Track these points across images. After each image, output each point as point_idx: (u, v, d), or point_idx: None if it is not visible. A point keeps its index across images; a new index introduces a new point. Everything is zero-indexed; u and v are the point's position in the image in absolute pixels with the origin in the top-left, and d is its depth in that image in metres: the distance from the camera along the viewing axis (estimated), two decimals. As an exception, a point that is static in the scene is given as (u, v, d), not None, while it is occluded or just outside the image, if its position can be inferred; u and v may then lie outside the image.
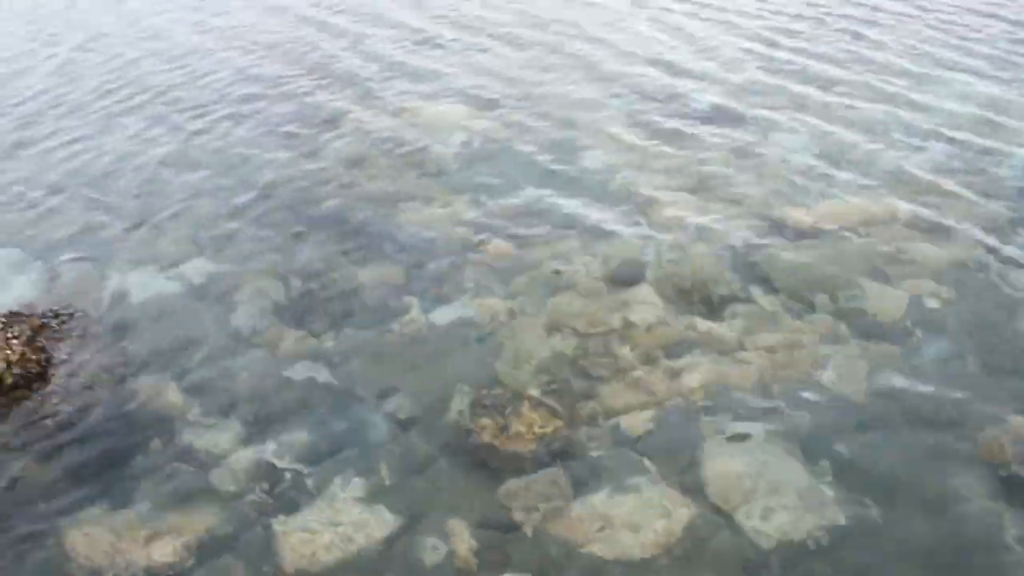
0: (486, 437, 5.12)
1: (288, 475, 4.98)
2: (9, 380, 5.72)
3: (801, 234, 6.97)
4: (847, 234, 6.93)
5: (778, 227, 7.09)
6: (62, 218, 8.00)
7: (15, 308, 6.36)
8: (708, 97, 9.80)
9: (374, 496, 4.81)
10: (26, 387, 5.73)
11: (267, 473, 5.01)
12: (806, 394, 5.30)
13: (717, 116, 9.33)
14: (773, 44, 11.19)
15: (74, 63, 12.59)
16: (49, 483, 5.02)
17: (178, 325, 6.37)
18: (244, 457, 5.13)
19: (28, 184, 8.71)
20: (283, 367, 5.88)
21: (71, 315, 6.41)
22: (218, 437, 5.29)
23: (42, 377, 5.81)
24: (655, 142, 8.77)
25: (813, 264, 6.55)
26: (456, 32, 12.50)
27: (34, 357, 5.89)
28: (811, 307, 6.07)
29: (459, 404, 5.36)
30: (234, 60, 12.14)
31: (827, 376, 5.43)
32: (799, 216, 7.22)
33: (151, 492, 4.93)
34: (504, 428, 5.16)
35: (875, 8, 12.36)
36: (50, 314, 6.38)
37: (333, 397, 5.60)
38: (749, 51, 11.09)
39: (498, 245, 7.08)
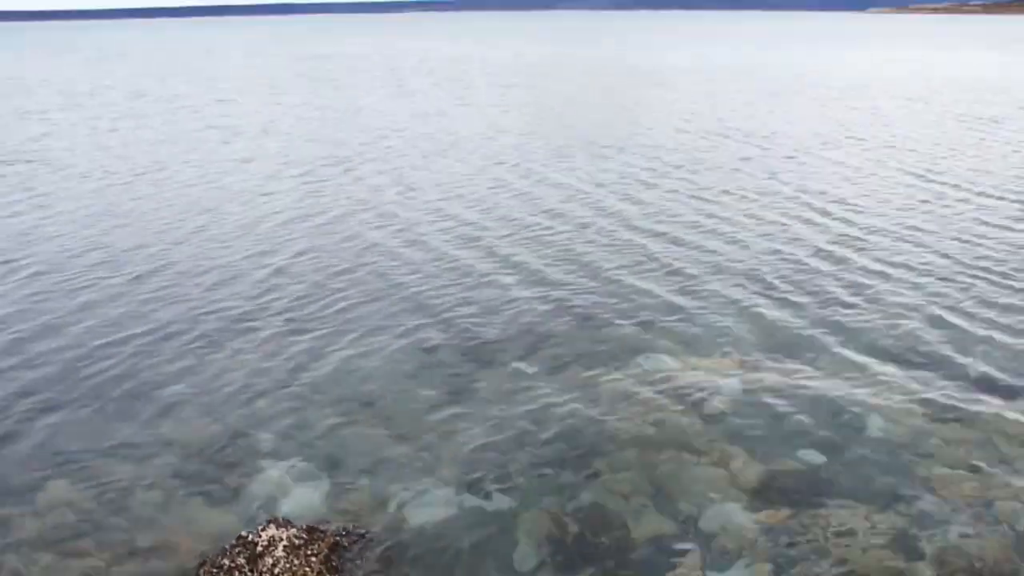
0: None
1: None
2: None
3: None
4: None
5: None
6: (349, 433, 8.32)
7: (311, 522, 6.63)
8: (987, 368, 9.49)
9: None
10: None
11: None
12: None
13: (1002, 390, 9.00)
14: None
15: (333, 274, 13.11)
16: None
17: (458, 557, 6.46)
18: None
19: (316, 399, 9.12)
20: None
21: (361, 535, 6.60)
22: None
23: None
24: (941, 413, 8.50)
25: None
26: (729, 284, 12.49)
27: (329, 578, 5.96)
28: None
29: None
30: (504, 292, 12.24)
31: None
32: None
33: None
34: None
35: None
36: (342, 532, 6.59)
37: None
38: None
39: (773, 513, 6.92)
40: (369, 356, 10.02)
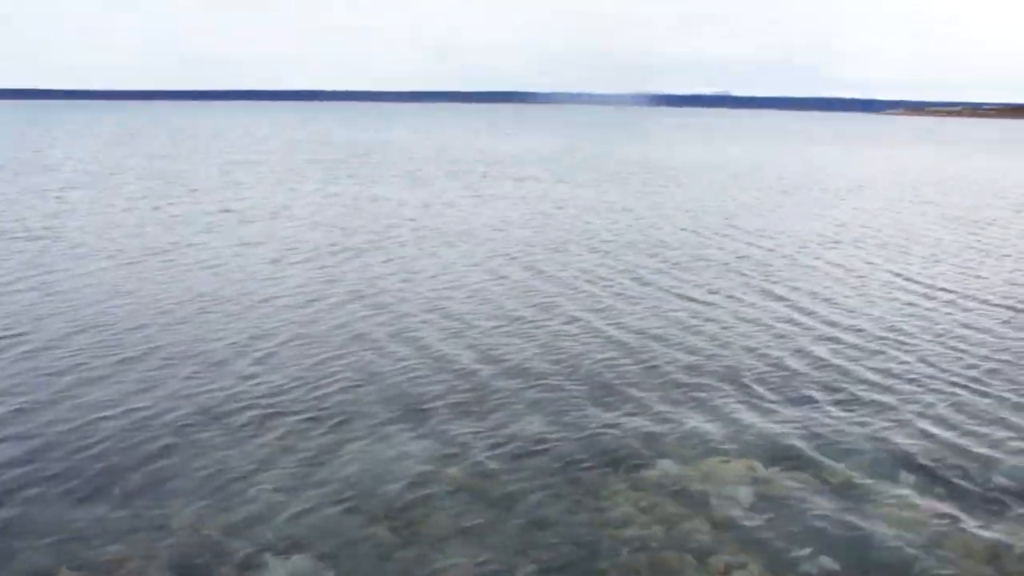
0: None
1: None
2: None
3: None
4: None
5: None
6: (345, 526, 8.31)
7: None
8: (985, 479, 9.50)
9: None
10: None
11: None
12: None
13: (1006, 503, 8.98)
14: None
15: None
16: None
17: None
18: None
19: (308, 491, 9.12)
20: None
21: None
22: None
23: None
24: (949, 525, 8.50)
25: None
26: (724, 387, 12.46)
27: None
28: None
29: None
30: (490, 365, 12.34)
31: None
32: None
33: None
34: None
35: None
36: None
37: None
38: None
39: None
40: (355, 447, 10.17)
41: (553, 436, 10.54)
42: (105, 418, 10.72)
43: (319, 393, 11.78)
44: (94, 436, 10.20)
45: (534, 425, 10.89)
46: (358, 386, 12.10)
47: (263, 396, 11.62)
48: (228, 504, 8.69)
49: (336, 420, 10.87)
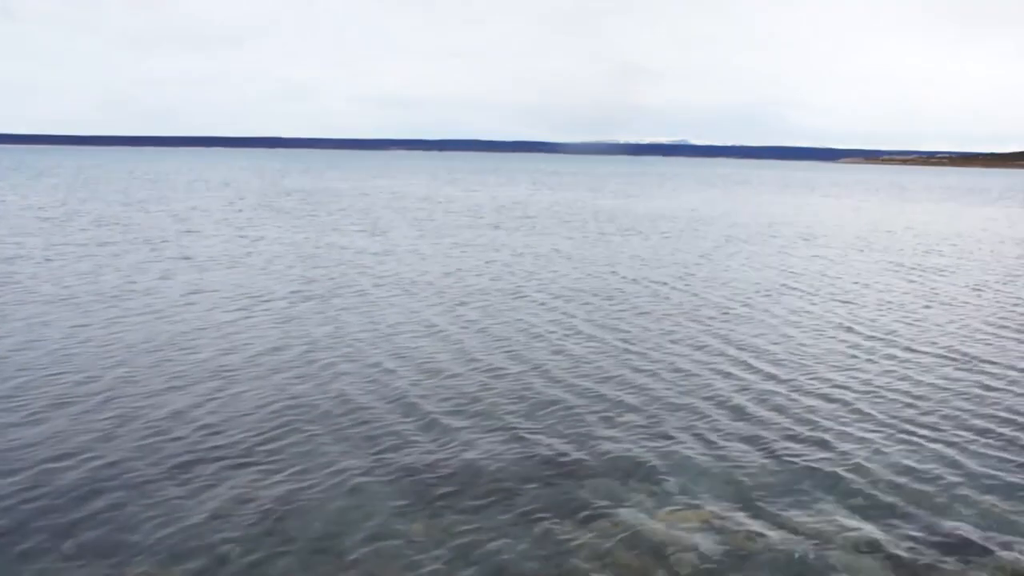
0: None
1: None
2: None
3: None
4: None
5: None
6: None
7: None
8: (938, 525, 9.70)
9: None
10: None
11: None
12: None
13: (961, 547, 9.20)
14: None
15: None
16: None
17: None
18: None
19: (264, 539, 9.15)
20: None
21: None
22: None
23: None
24: (914, 560, 8.73)
25: None
26: (675, 434, 12.62)
27: None
28: None
29: None
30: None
31: None
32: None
33: None
34: None
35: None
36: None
37: None
38: None
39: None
40: (312, 497, 10.20)
41: (510, 486, 10.64)
42: (56, 470, 10.66)
43: (276, 444, 11.80)
44: (45, 488, 10.14)
45: (491, 474, 10.99)
46: (315, 435, 12.14)
47: (218, 447, 11.62)
48: (183, 557, 8.69)
49: (293, 469, 10.90)
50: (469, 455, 11.61)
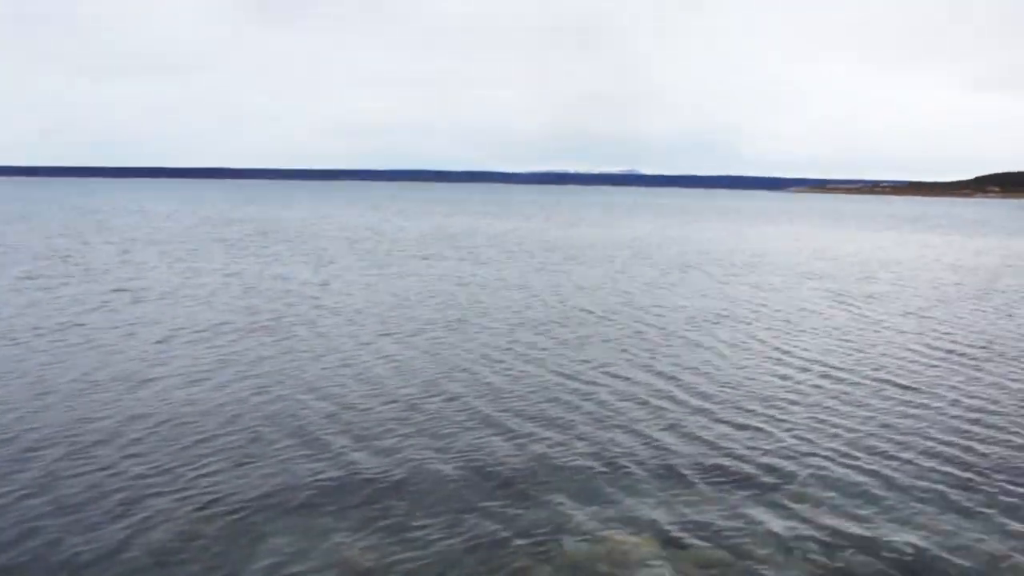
0: None
1: None
2: None
3: None
4: None
5: None
6: None
7: None
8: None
9: None
10: None
11: None
12: None
13: None
14: None
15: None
16: None
17: None
18: None
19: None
20: None
21: None
22: None
23: None
24: None
25: None
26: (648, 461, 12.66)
27: None
28: None
29: None
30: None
31: None
32: None
33: None
34: None
35: None
36: None
37: None
38: None
39: None
40: (217, 533, 10.06)
41: (450, 514, 10.57)
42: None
43: (192, 475, 11.62)
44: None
45: (430, 503, 10.92)
46: (235, 467, 11.97)
47: (133, 479, 11.42)
48: None
49: (206, 502, 10.73)
50: (410, 481, 11.57)
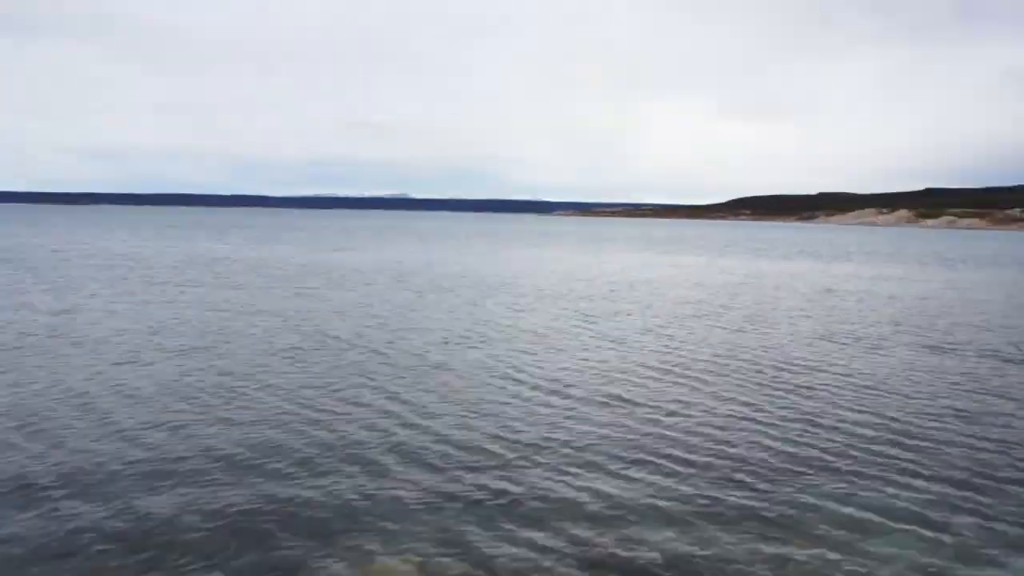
0: None
1: None
2: None
3: None
4: None
5: None
6: None
7: None
8: None
9: None
10: None
11: None
12: None
13: None
14: None
15: None
16: None
17: None
18: None
19: None
20: None
21: None
22: None
23: None
24: None
25: None
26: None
27: None
28: None
29: None
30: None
31: None
32: None
33: None
34: None
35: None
36: None
37: None
38: None
39: None
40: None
41: (208, 547, 9.96)
42: None
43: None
44: None
45: (185, 541, 10.19)
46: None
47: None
48: None
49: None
50: (154, 517, 11.02)
